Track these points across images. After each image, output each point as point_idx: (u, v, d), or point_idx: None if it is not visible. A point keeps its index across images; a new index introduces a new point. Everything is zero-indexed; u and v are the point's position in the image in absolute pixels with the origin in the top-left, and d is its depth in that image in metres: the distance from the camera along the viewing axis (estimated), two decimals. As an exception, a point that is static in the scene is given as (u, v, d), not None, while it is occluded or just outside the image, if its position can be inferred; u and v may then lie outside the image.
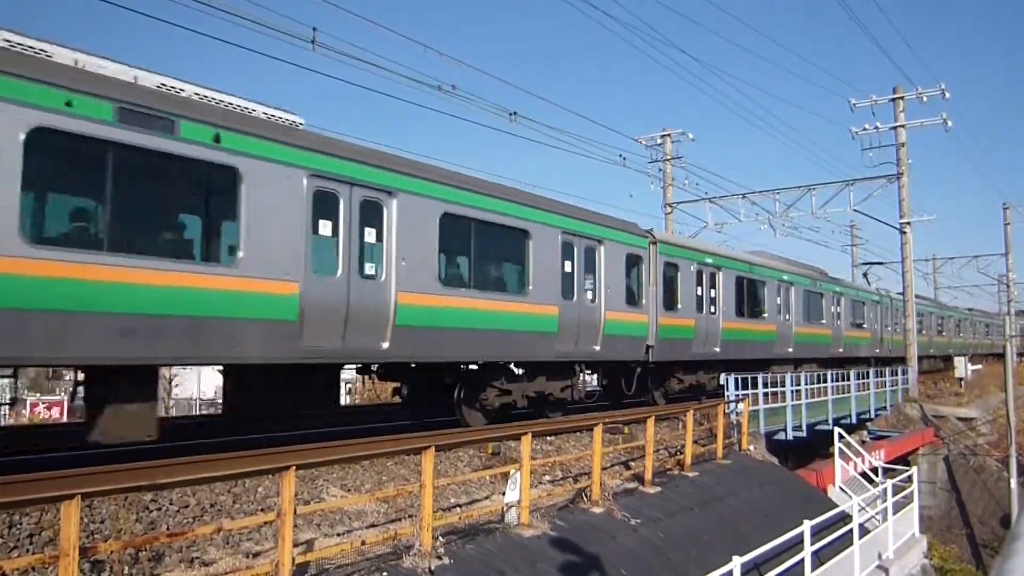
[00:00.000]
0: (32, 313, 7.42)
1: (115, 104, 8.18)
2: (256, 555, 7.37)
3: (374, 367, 12.97)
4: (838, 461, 18.85)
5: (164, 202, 9.17)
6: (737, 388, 18.81)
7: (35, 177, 7.73)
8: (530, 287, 13.75)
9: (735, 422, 17.10)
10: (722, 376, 19.39)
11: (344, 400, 26.76)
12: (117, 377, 8.43)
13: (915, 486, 17.05)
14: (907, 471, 18.09)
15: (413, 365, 12.84)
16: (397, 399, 14.94)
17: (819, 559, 11.90)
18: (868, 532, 14.51)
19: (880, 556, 14.11)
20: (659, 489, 12.56)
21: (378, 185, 11.03)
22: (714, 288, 20.27)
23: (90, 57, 8.81)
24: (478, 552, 8.41)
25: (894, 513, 15.38)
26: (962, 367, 37.77)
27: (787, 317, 24.71)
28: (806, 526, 11.27)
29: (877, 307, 33.91)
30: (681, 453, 14.52)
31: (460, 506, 9.92)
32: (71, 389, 9.59)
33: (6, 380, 10.30)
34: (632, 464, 13.75)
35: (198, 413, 33.50)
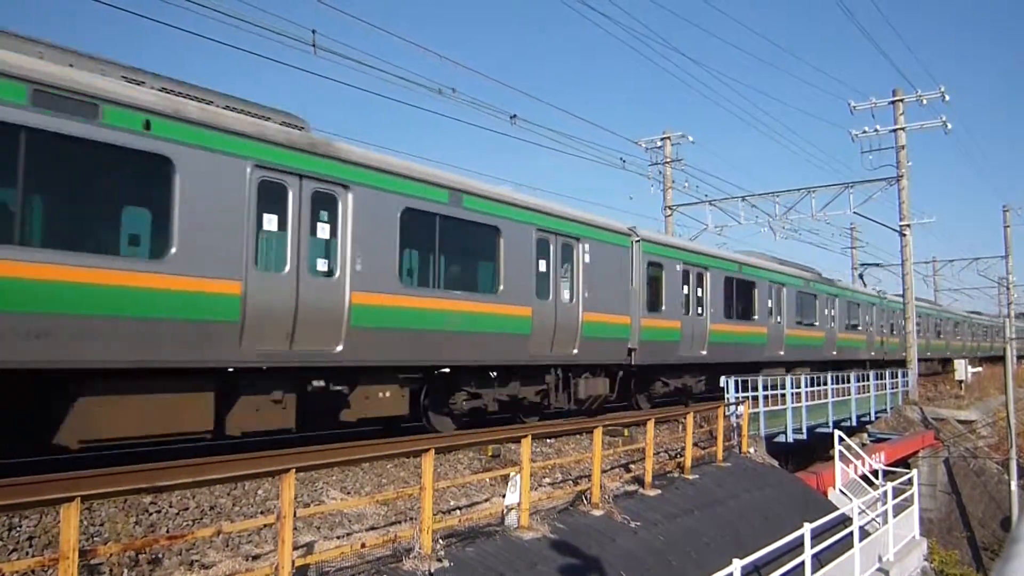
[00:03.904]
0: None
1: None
2: (256, 558, 7.36)
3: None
4: (838, 464, 18.84)
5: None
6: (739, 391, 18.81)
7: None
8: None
9: (735, 424, 17.09)
10: (722, 378, 19.39)
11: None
12: None
13: (915, 489, 17.04)
14: (907, 474, 18.08)
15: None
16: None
17: (819, 562, 11.89)
18: (868, 535, 14.51)
19: (880, 559, 14.10)
20: (659, 491, 12.55)
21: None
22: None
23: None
24: (478, 555, 8.40)
25: (894, 516, 15.38)
26: (962, 369, 37.69)
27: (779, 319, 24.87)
28: (806, 529, 11.27)
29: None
30: (681, 456, 14.51)
31: (460, 508, 9.92)
32: None
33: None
34: (632, 466, 13.74)
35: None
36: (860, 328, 32.62)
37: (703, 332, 19.99)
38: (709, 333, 20.15)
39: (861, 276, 39.96)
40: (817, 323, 27.90)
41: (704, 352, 19.98)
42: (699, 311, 19.95)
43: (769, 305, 23.86)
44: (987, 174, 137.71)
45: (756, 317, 22.99)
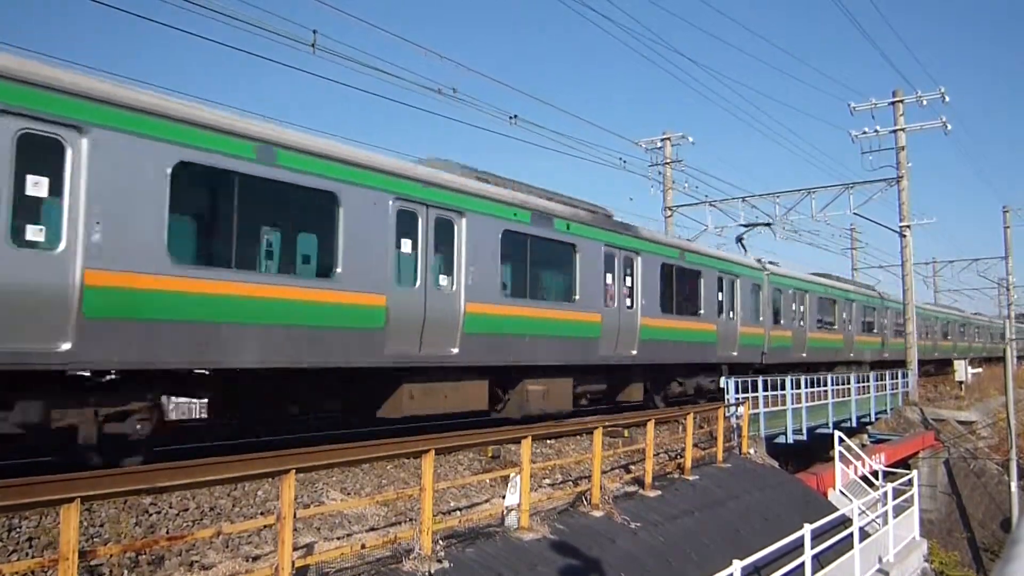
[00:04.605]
0: None
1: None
2: (256, 559, 7.36)
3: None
4: (838, 464, 18.84)
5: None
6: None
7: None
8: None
9: (735, 425, 17.09)
10: (722, 380, 19.38)
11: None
12: None
13: (915, 489, 17.05)
14: (907, 474, 18.09)
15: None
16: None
17: (819, 563, 11.89)
18: (868, 536, 14.51)
19: (880, 560, 14.10)
20: (659, 492, 12.56)
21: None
22: None
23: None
24: (478, 556, 8.40)
25: (894, 517, 15.38)
26: (962, 370, 37.71)
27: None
28: (806, 530, 11.27)
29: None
30: (681, 456, 14.51)
31: (460, 509, 9.92)
32: None
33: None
34: (632, 467, 13.75)
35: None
36: (703, 313, 19.58)
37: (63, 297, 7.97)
38: (144, 303, 8.60)
39: (740, 240, 27.04)
40: (578, 297, 15.05)
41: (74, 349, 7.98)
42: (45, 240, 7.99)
43: (407, 253, 11.71)
44: (987, 174, 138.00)
45: (339, 271, 10.70)
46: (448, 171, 13.15)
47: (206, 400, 10.91)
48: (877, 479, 19.47)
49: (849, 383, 24.64)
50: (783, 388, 19.93)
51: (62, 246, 7.93)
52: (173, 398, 11.16)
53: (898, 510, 15.88)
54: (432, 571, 7.63)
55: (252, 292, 9.58)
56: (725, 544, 11.71)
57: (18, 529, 6.91)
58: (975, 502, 25.63)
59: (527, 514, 9.44)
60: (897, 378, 29.82)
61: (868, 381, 26.57)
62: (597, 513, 10.78)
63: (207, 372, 9.87)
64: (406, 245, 11.76)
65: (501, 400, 14.19)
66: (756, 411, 18.26)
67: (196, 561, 7.07)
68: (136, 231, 8.49)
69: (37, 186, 7.87)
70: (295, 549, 7.00)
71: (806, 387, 20.91)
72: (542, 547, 9.18)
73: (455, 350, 12.28)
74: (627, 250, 16.74)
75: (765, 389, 19.19)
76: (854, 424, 24.79)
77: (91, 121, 8.20)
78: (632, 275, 16.87)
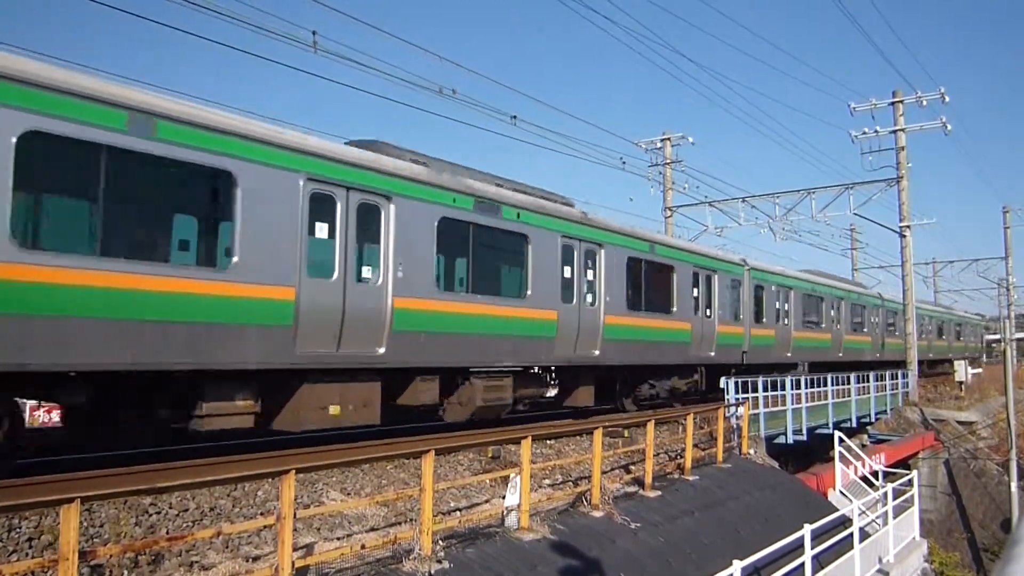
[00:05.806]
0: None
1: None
2: (256, 559, 7.35)
3: None
4: (838, 465, 18.84)
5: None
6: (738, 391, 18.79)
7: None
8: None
9: (735, 426, 17.09)
10: (722, 380, 19.37)
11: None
12: None
13: (915, 490, 17.05)
14: (907, 475, 18.09)
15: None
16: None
17: (819, 563, 11.89)
18: (868, 536, 14.51)
19: (880, 560, 14.11)
20: (659, 493, 12.55)
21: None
22: None
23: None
24: (478, 556, 8.40)
25: (894, 517, 15.38)
26: (962, 371, 37.69)
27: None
28: (806, 530, 11.27)
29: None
30: (681, 457, 14.51)
31: (460, 510, 9.91)
32: None
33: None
34: (632, 468, 13.74)
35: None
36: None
37: None
38: None
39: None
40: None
41: None
42: None
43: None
44: (987, 175, 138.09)
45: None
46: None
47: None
48: (877, 479, 19.46)
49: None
50: (783, 388, 19.94)
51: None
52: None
53: (898, 510, 15.89)
54: (432, 571, 7.63)
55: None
56: (725, 544, 11.71)
57: (18, 529, 6.91)
58: (975, 502, 25.62)
59: (527, 514, 9.44)
60: (897, 378, 29.82)
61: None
62: (597, 513, 10.78)
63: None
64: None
65: None
66: (756, 411, 18.26)
67: (196, 561, 7.06)
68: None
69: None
70: (295, 549, 7.00)
71: (806, 387, 20.93)
72: (542, 547, 9.18)
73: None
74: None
75: (765, 390, 19.20)
76: (854, 424, 24.78)
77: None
78: None
